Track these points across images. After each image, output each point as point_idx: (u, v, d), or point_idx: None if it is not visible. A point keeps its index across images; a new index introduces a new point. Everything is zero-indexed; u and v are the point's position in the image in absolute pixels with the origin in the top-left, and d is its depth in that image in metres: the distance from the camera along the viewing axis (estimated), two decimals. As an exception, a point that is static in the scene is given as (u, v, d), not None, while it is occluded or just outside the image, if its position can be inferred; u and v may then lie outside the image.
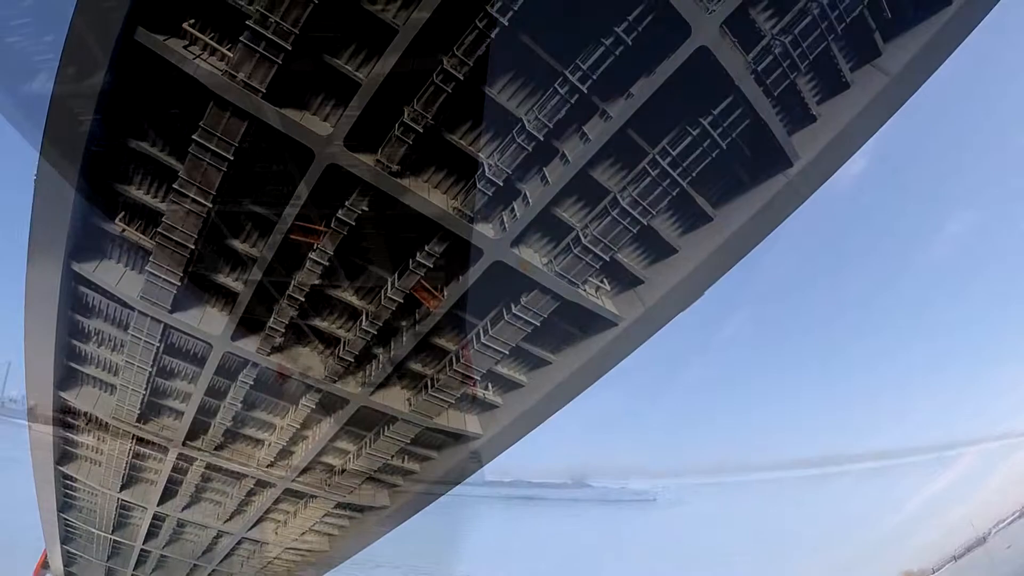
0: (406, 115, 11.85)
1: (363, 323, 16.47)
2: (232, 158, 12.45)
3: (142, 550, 29.04)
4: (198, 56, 11.29)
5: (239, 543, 27.70)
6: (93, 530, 28.47)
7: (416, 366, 18.35)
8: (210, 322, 16.99)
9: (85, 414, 21.20)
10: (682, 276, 15.32)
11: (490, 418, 19.91)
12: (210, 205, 13.43)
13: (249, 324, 16.96)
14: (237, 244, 15.28)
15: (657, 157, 12.82)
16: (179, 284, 15.58)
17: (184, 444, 21.46)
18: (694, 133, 12.32)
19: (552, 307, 15.62)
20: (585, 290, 15.49)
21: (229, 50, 11.20)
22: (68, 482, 25.61)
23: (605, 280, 15.85)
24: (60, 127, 12.01)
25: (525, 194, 13.66)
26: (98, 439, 22.48)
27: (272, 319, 16.52)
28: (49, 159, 12.57)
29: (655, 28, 10.90)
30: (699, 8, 10.70)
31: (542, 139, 12.41)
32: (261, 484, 23.61)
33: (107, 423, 20.96)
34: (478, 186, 13.22)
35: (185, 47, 11.19)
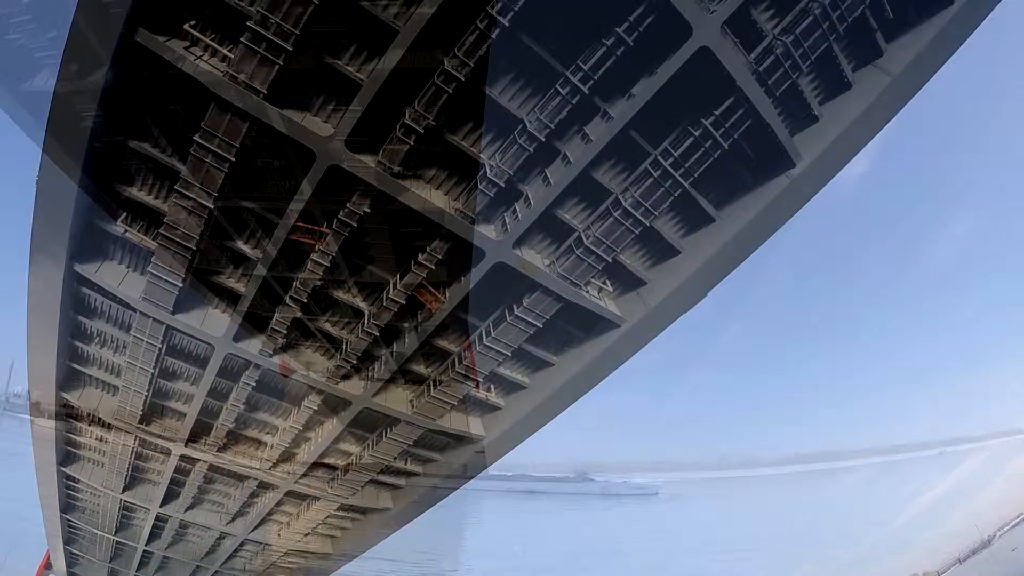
0: (407, 116, 11.85)
1: (365, 324, 16.45)
2: (233, 159, 12.46)
3: (145, 551, 28.99)
4: (199, 57, 11.30)
5: (242, 545, 27.64)
6: (96, 531, 28.44)
7: (418, 368, 18.30)
8: (212, 323, 16.99)
9: (88, 415, 21.19)
10: (684, 277, 15.29)
11: (492, 420, 19.85)
12: (212, 206, 13.44)
13: (251, 325, 16.95)
14: (239, 245, 15.27)
15: (659, 158, 12.81)
16: (181, 285, 15.60)
17: (186, 445, 21.45)
18: (696, 134, 12.32)
19: (554, 308, 15.60)
20: (587, 291, 15.45)
21: (230, 51, 11.21)
22: (71, 483, 25.60)
23: (607, 281, 15.81)
24: (63, 124, 12.03)
25: (527, 195, 13.65)
26: (100, 440, 22.48)
27: (274, 320, 16.52)
28: (52, 156, 12.58)
29: (656, 28, 10.90)
30: (700, 8, 10.69)
31: (544, 140, 12.42)
32: (263, 486, 23.57)
33: (110, 424, 20.96)
34: (479, 187, 13.22)
35: (186, 48, 11.21)
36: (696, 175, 12.94)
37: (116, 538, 28.48)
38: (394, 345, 17.31)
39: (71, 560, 32.32)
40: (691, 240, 15.09)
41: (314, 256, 14.60)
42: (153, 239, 14.67)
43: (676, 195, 13.31)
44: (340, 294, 16.41)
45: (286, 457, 22.14)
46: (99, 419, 21.04)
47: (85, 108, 11.84)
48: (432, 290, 15.41)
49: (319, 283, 15.39)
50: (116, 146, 13.14)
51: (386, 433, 19.95)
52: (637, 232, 13.97)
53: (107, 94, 11.48)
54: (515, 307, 15.59)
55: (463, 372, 17.42)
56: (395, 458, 21.08)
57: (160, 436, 21.13)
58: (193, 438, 21.31)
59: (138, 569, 30.58)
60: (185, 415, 20.47)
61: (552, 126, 12.19)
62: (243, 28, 10.69)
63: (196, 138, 12.15)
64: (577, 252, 14.38)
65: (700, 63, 11.25)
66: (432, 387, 18.16)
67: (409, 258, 14.82)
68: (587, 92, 11.72)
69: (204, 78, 11.32)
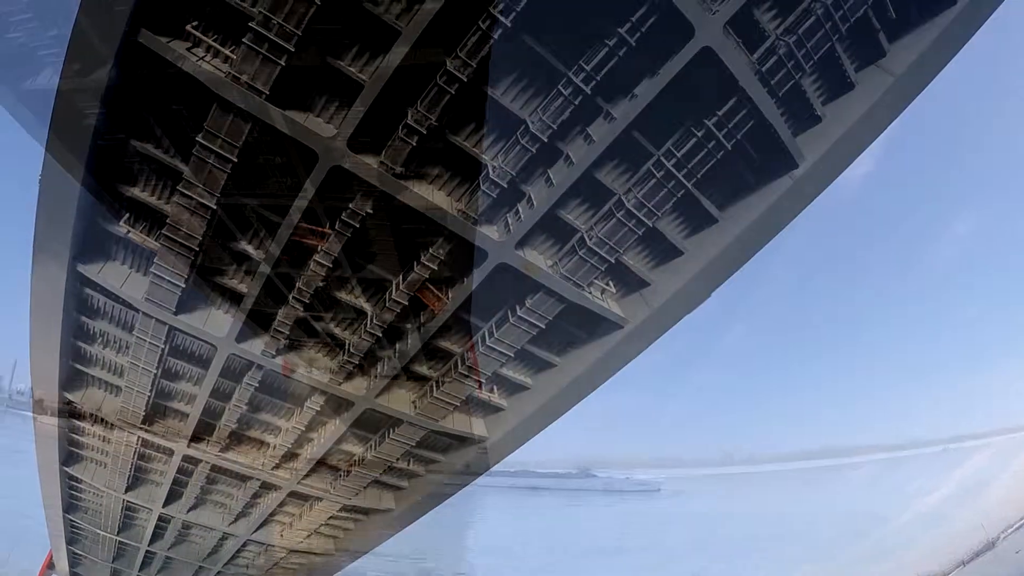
0: (410, 117, 11.84)
1: (368, 325, 16.45)
2: (236, 160, 12.47)
3: (147, 551, 29.03)
4: (202, 59, 11.31)
5: (244, 545, 27.67)
6: (98, 531, 28.47)
7: (421, 368, 18.30)
8: (215, 324, 17.00)
9: (90, 415, 21.22)
10: (688, 278, 15.28)
11: (495, 421, 19.84)
12: (214, 207, 13.46)
13: (254, 326, 16.96)
14: (242, 246, 15.27)
15: (662, 159, 12.80)
16: (184, 286, 15.61)
17: (189, 446, 21.47)
18: (699, 134, 12.30)
19: (557, 309, 15.58)
20: (590, 292, 15.44)
21: (232, 52, 11.21)
22: (73, 483, 25.65)
23: (610, 282, 15.79)
24: (66, 122, 12.03)
25: (529, 196, 13.64)
26: (103, 440, 22.51)
27: (277, 321, 16.53)
28: (54, 155, 12.59)
29: (658, 29, 10.89)
30: (702, 9, 10.68)
31: (546, 141, 12.41)
32: (266, 486, 23.58)
33: (112, 424, 20.99)
34: (482, 188, 13.21)
35: (188, 49, 11.22)
36: (699, 176, 12.92)
37: (119, 538, 28.52)
38: (397, 346, 17.32)
39: (73, 560, 32.37)
40: (694, 241, 15.07)
41: (317, 257, 14.60)
42: (156, 240, 14.69)
43: (679, 196, 13.30)
44: (343, 295, 16.41)
45: (289, 458, 22.15)
46: (102, 419, 21.07)
47: (88, 106, 11.84)
48: (435, 291, 15.42)
49: (322, 284, 15.36)
50: (119, 144, 13.15)
51: (389, 434, 19.96)
52: (640, 233, 13.94)
53: (110, 92, 11.49)
54: (518, 308, 15.58)
55: (466, 373, 17.41)
56: (398, 459, 21.09)
57: (163, 436, 21.15)
58: (196, 438, 21.33)
59: (140, 569, 30.62)
60: (188, 416, 20.49)
61: (554, 127, 12.17)
62: (245, 29, 10.69)
63: (198, 139, 12.15)
64: (580, 253, 14.36)
65: (702, 63, 11.24)
66: (435, 388, 18.17)
67: (412, 259, 14.81)
68: (589, 92, 11.69)
69: (206, 78, 11.32)
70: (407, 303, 15.56)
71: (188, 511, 25.73)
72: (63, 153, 12.59)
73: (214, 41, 11.29)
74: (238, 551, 28.20)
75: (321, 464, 22.14)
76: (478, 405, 19.38)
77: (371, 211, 13.52)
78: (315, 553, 27.63)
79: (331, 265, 14.79)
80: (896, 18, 12.00)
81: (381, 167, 12.58)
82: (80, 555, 31.87)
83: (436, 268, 14.68)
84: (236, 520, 25.99)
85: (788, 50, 11.47)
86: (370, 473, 21.91)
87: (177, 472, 23.07)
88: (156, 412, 20.56)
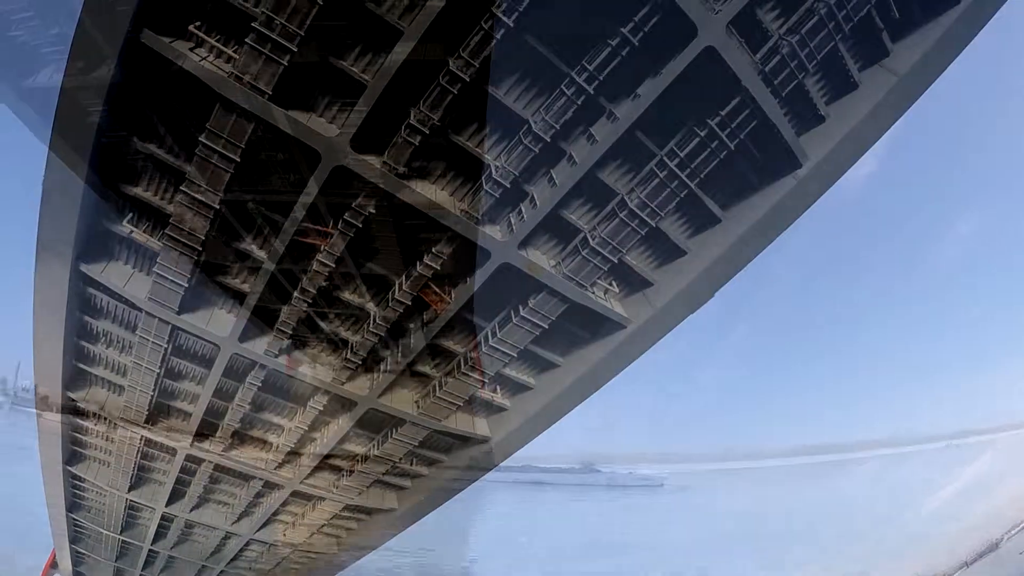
0: (412, 117, 11.85)
1: (371, 325, 16.46)
2: (239, 159, 12.47)
3: (150, 551, 29.05)
4: (204, 58, 11.32)
5: (247, 544, 27.70)
6: (102, 530, 28.50)
7: (424, 368, 18.30)
8: (218, 323, 17.02)
9: (94, 415, 21.25)
10: (691, 278, 15.24)
11: (498, 420, 19.83)
12: (217, 206, 13.47)
13: (257, 326, 16.98)
14: (245, 245, 15.29)
15: (665, 158, 12.78)
16: (187, 286, 15.62)
17: (192, 445, 21.50)
18: (702, 134, 12.28)
19: (560, 309, 15.56)
20: (593, 292, 15.41)
21: (235, 52, 11.21)
22: (77, 482, 25.68)
23: (613, 282, 15.77)
24: (69, 120, 12.04)
25: (532, 196, 13.63)
26: (107, 439, 22.54)
27: (280, 321, 16.54)
28: (57, 154, 12.60)
29: (661, 28, 10.87)
30: (705, 8, 10.66)
31: (549, 140, 12.40)
32: (269, 486, 23.59)
33: (115, 424, 21.02)
34: (485, 188, 13.21)
35: (191, 49, 11.23)
36: (702, 176, 12.90)
37: (122, 537, 28.55)
38: (400, 345, 17.32)
39: (77, 559, 32.39)
40: (697, 241, 15.05)
41: (320, 256, 14.61)
42: (159, 239, 14.71)
43: (682, 196, 13.28)
44: (345, 294, 16.42)
45: (291, 457, 22.17)
46: (105, 418, 21.10)
47: (91, 104, 11.85)
48: (438, 290, 15.42)
49: (324, 283, 15.40)
50: (122, 143, 13.16)
51: (392, 434, 19.96)
52: (643, 233, 13.92)
53: (113, 90, 11.50)
54: (521, 308, 15.57)
55: (469, 373, 17.42)
56: (401, 459, 21.09)
57: (166, 436, 21.18)
58: (199, 438, 21.36)
59: (144, 568, 30.64)
60: (191, 415, 20.51)
61: (557, 127, 12.16)
62: (248, 29, 10.70)
63: (202, 138, 12.17)
64: (583, 253, 14.35)
65: (705, 63, 11.22)
66: (438, 388, 18.16)
67: (415, 258, 14.82)
68: (592, 92, 11.68)
69: (209, 78, 11.33)
70: (410, 302, 15.57)
71: (191, 510, 25.75)
72: (66, 152, 12.60)
73: (217, 41, 11.29)
74: (241, 550, 28.23)
75: (324, 464, 22.16)
76: (481, 405, 19.36)
77: (374, 210, 13.54)
78: (318, 552, 27.67)
79: (334, 264, 14.79)
80: (899, 18, 11.97)
81: (384, 167, 12.58)
82: (83, 554, 31.89)
83: (439, 268, 14.68)
84: (239, 519, 26.02)
85: (791, 50, 11.46)
86: (373, 473, 21.92)
87: (180, 471, 23.09)
88: (159, 411, 20.58)
